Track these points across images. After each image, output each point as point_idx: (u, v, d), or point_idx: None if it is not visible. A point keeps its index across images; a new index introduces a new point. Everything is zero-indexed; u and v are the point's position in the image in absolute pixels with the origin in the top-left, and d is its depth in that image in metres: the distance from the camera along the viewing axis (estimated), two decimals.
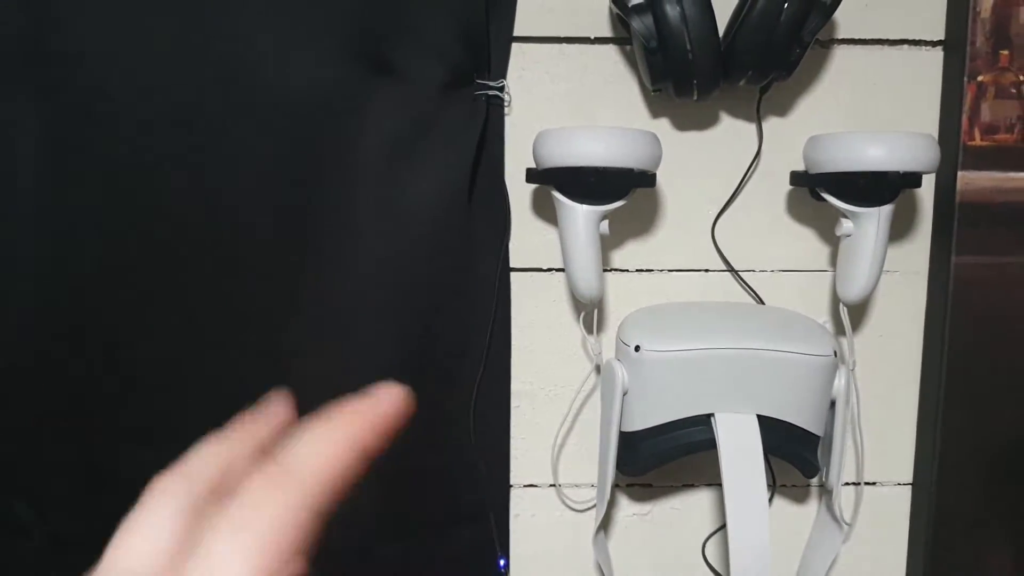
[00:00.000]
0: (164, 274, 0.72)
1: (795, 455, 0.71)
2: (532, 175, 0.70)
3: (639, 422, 0.71)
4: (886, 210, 0.70)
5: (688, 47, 0.68)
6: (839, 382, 0.72)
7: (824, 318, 0.79)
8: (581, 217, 0.69)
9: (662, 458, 0.71)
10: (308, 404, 0.70)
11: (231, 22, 0.69)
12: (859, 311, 0.79)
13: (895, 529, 0.82)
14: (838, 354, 0.70)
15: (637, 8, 0.69)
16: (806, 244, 0.78)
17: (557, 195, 0.69)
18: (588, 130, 0.66)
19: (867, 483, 0.81)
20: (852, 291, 0.72)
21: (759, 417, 0.70)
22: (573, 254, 0.70)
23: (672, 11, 0.67)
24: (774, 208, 0.78)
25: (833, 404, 0.73)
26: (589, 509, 0.81)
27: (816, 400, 0.71)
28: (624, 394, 0.71)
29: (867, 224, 0.70)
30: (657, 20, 0.68)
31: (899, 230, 0.78)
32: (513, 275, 0.77)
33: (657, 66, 0.70)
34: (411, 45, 0.71)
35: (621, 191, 0.70)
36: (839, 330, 0.78)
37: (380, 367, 0.72)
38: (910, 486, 0.81)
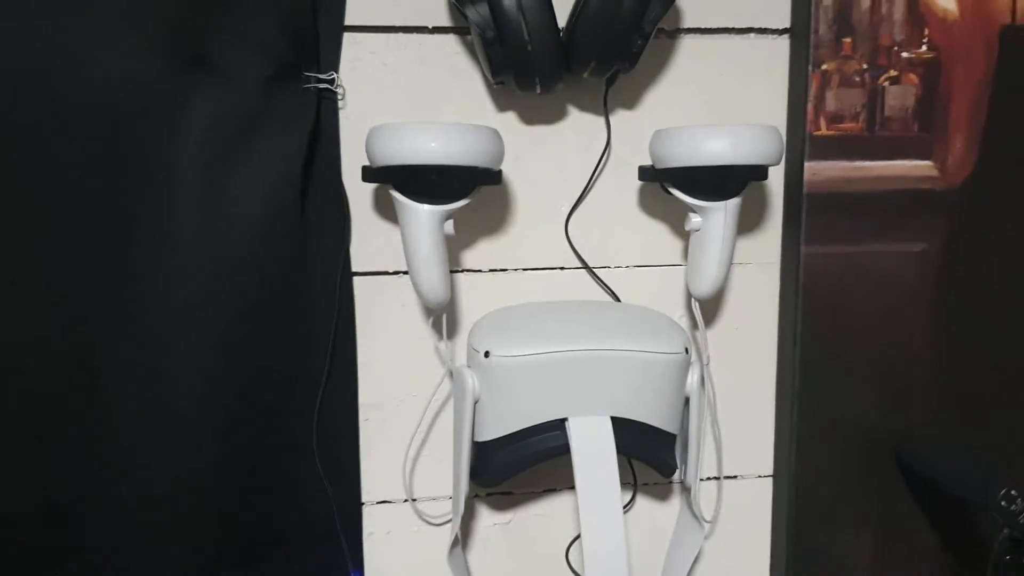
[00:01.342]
0: None
1: (651, 455, 0.70)
2: (368, 174, 0.66)
3: (492, 431, 0.68)
4: (732, 203, 0.68)
5: (527, 37, 0.65)
6: (692, 379, 0.70)
7: (680, 313, 0.77)
8: (423, 218, 0.65)
9: (517, 467, 0.68)
10: (131, 416, 0.63)
11: (30, 11, 0.62)
12: (714, 304, 0.78)
13: (759, 521, 0.81)
14: (690, 350, 0.69)
15: None
16: (660, 238, 0.76)
17: (396, 195, 0.65)
18: (424, 126, 0.62)
19: (728, 477, 0.80)
20: (702, 286, 0.70)
21: (614, 419, 0.68)
22: (416, 257, 0.66)
23: (509, 1, 0.64)
24: (627, 203, 0.75)
25: (688, 401, 0.71)
26: (447, 523, 0.77)
27: (669, 398, 0.69)
28: (476, 402, 0.68)
29: (714, 218, 0.68)
30: (493, 9, 0.64)
31: (752, 221, 0.77)
32: (356, 280, 0.73)
33: (496, 58, 0.66)
34: (230, 38, 0.65)
35: (464, 190, 0.66)
36: (695, 325, 0.77)
37: (208, 379, 0.67)
38: (771, 478, 0.81)
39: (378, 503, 0.76)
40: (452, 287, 0.74)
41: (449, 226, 0.67)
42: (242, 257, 0.67)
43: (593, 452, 0.66)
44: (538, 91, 0.68)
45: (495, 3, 0.64)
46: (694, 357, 0.71)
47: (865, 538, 0.78)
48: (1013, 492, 0.65)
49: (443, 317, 0.71)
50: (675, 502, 0.80)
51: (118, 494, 0.68)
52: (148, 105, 0.64)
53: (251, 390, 0.69)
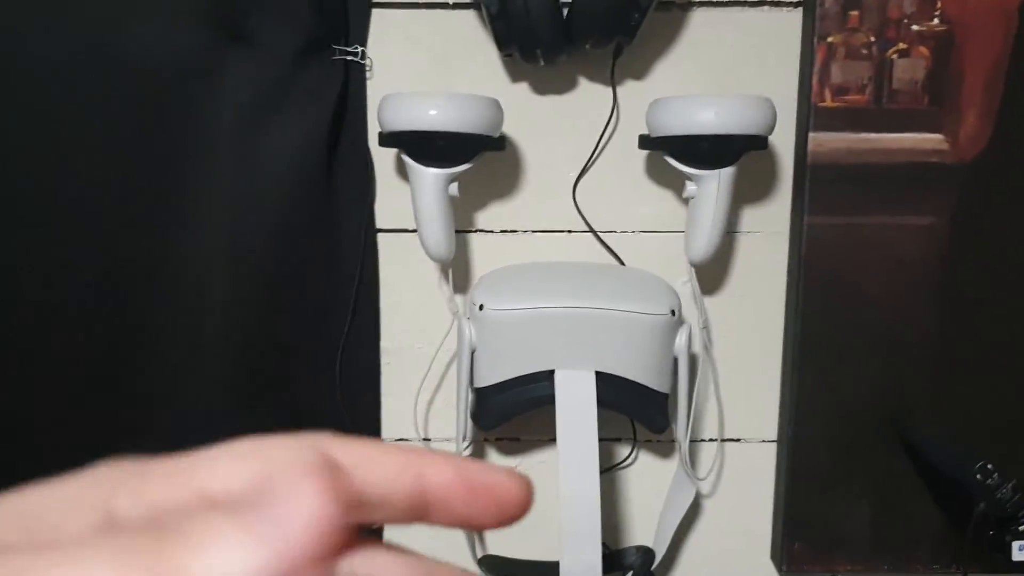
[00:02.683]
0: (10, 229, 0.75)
1: (638, 411, 0.74)
2: (382, 139, 0.72)
3: (487, 378, 0.74)
4: (726, 172, 0.71)
5: (527, 12, 0.69)
6: (680, 340, 0.73)
7: (684, 278, 0.80)
8: (428, 180, 0.71)
9: (510, 412, 0.74)
10: (164, 363, 0.71)
11: None
12: (720, 271, 0.80)
13: (762, 484, 0.84)
14: (676, 312, 0.72)
15: None
16: (666, 205, 0.79)
17: (406, 158, 0.71)
18: (424, 95, 0.68)
19: (731, 439, 0.83)
20: (696, 252, 0.73)
21: (603, 375, 0.72)
22: (423, 215, 0.72)
23: None
24: (633, 171, 0.79)
25: (677, 362, 0.74)
26: None
27: (656, 358, 0.73)
28: (473, 351, 0.74)
29: (708, 186, 0.71)
30: None
31: (762, 191, 0.79)
32: (381, 236, 0.80)
33: (500, 31, 0.71)
34: (265, 12, 0.72)
35: (467, 155, 0.71)
36: (701, 290, 0.80)
37: (241, 324, 0.75)
38: (775, 443, 0.83)
39: (397, 440, 0.83)
40: (466, 246, 0.80)
41: (454, 188, 0.72)
42: (273, 213, 0.75)
43: (575, 403, 0.70)
44: (541, 63, 0.73)
45: None
46: (685, 320, 0.74)
47: (862, 507, 0.80)
48: (989, 466, 0.65)
49: (449, 272, 0.77)
50: (675, 460, 0.83)
51: (152, 422, 0.77)
52: (189, 73, 0.73)
53: (281, 333, 0.77)
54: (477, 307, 0.72)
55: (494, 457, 0.84)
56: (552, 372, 0.72)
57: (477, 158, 0.72)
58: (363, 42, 0.77)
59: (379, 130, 0.72)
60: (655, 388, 0.74)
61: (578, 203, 0.79)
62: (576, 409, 0.70)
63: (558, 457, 0.69)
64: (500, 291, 0.73)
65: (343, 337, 0.79)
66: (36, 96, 0.71)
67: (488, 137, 0.71)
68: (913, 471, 0.78)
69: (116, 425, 0.76)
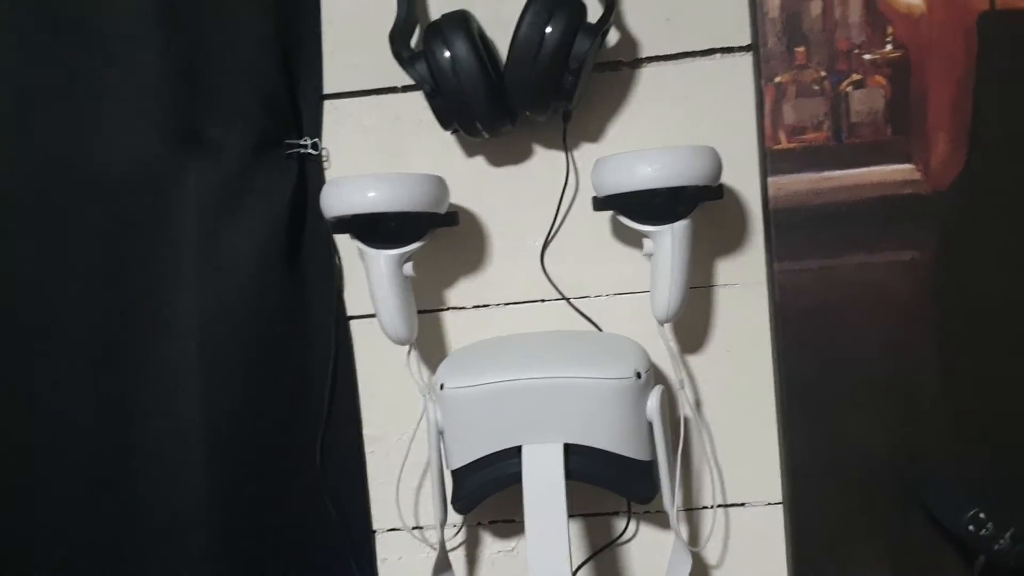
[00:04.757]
0: None
1: (616, 482, 0.70)
2: (332, 226, 0.73)
3: (459, 459, 0.72)
4: (680, 226, 0.68)
5: (460, 89, 0.69)
6: (651, 403, 0.70)
7: (668, 338, 0.77)
8: (381, 261, 0.71)
9: (482, 493, 0.71)
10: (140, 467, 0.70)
11: (53, 105, 0.75)
12: (702, 327, 0.77)
13: (771, 550, 0.78)
14: (643, 375, 0.69)
15: (412, 57, 0.71)
16: (636, 265, 0.77)
17: (356, 242, 0.71)
18: (360, 179, 0.68)
19: (735, 504, 0.78)
20: (659, 309, 0.70)
21: (574, 446, 0.69)
22: (379, 297, 0.72)
23: (441, 57, 0.69)
24: (599, 232, 0.77)
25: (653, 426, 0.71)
26: (456, 548, 0.81)
27: (627, 424, 0.69)
28: (440, 432, 0.72)
29: (663, 242, 0.69)
30: (429, 66, 0.70)
31: (734, 242, 0.76)
32: (354, 323, 0.80)
33: (440, 109, 0.71)
34: (218, 115, 0.75)
35: (416, 233, 0.71)
36: (684, 348, 0.77)
37: (211, 421, 0.75)
38: (780, 505, 0.77)
39: (388, 531, 0.81)
40: (439, 325, 0.79)
41: (408, 268, 0.72)
42: (241, 311, 0.76)
43: (541, 479, 0.67)
44: (485, 136, 0.72)
45: (430, 60, 0.69)
46: (656, 381, 0.71)
47: (877, 567, 0.73)
48: (981, 515, 0.59)
49: (412, 352, 0.75)
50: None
51: (131, 542, 0.78)
52: (152, 180, 0.75)
53: (256, 431, 0.77)
54: (438, 387, 0.71)
55: (489, 541, 0.81)
56: (520, 448, 0.70)
57: (429, 236, 0.71)
58: (317, 134, 0.78)
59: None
60: (632, 456, 0.70)
61: (547, 271, 0.78)
62: (543, 485, 0.67)
63: (526, 536, 0.66)
64: (461, 368, 0.71)
65: (321, 430, 0.79)
66: (4, 212, 0.75)
67: (434, 214, 0.71)
68: (925, 520, 0.71)
69: (101, 527, 0.77)
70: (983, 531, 0.59)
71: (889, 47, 0.70)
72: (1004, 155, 0.70)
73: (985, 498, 0.62)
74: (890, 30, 0.69)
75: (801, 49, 0.70)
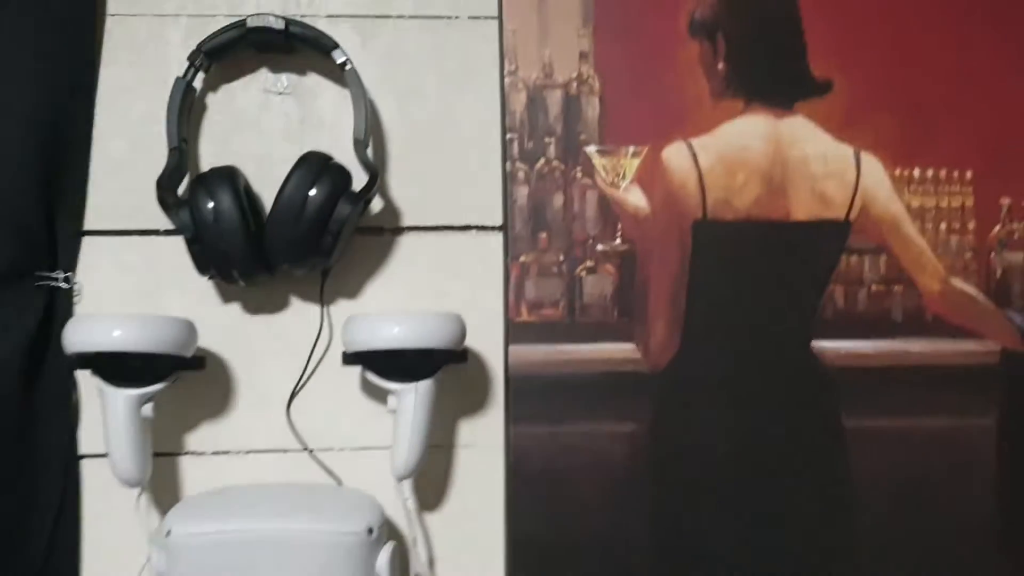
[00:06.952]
0: None
1: None
2: (74, 361, 0.71)
3: None
4: (423, 385, 0.72)
5: (219, 237, 0.71)
6: (382, 560, 0.71)
7: (406, 495, 0.79)
8: (120, 401, 0.70)
9: None
10: None
11: None
12: (440, 487, 0.80)
13: None
14: (375, 530, 0.70)
15: (176, 203, 0.73)
16: (381, 421, 0.79)
17: (96, 379, 0.70)
18: (105, 317, 0.69)
19: None
20: (397, 466, 0.73)
21: None
22: (113, 437, 0.70)
23: (204, 206, 0.71)
24: (348, 387, 0.80)
25: None
26: None
27: None
28: None
29: (406, 400, 0.72)
30: (192, 214, 0.71)
31: (476, 404, 0.80)
32: (85, 462, 0.77)
33: (198, 255, 0.73)
34: None
35: (159, 375, 0.71)
36: (423, 505, 0.79)
37: None
38: None
39: None
40: (175, 469, 0.77)
41: (148, 409, 0.71)
42: None
43: None
44: (241, 284, 0.74)
45: (193, 209, 0.71)
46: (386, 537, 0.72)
47: None
48: None
49: (140, 497, 0.73)
50: None
51: None
52: None
53: None
54: (165, 533, 0.69)
55: None
56: None
57: (172, 378, 0.71)
58: (72, 268, 0.77)
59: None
60: None
61: (292, 422, 0.79)
62: None
63: None
64: (192, 515, 0.70)
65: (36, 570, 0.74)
66: None
67: (179, 356, 0.71)
68: None
69: None
70: None
71: (618, 241, 0.79)
72: (712, 342, 0.79)
73: None
74: (620, 227, 0.79)
75: (544, 235, 0.78)
